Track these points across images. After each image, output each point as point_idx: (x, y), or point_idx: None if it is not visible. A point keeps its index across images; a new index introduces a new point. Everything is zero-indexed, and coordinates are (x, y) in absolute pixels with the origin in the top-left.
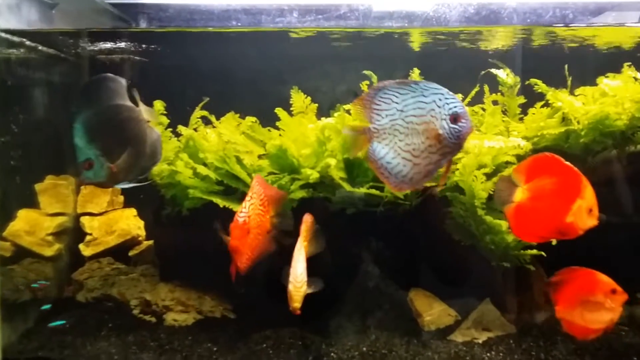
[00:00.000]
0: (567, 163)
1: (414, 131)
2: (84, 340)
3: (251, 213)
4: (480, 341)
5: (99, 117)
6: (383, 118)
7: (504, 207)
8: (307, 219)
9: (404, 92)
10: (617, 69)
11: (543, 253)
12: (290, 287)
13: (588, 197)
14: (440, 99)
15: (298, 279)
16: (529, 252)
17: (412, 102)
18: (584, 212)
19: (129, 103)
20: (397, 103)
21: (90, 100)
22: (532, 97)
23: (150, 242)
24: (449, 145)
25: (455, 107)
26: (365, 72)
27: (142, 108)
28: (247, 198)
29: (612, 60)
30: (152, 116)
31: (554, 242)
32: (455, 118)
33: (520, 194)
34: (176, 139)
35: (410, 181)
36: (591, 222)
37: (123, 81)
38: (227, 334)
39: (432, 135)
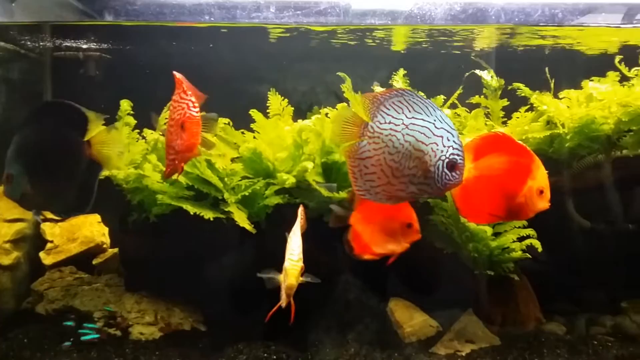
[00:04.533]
0: (519, 142)
1: (407, 152)
2: (43, 356)
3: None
4: (463, 354)
5: (36, 138)
6: (386, 123)
7: None
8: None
9: (419, 109)
10: (601, 73)
11: (529, 255)
12: (286, 263)
13: (540, 178)
14: (448, 138)
15: (294, 252)
16: (514, 255)
17: (421, 124)
18: (535, 193)
19: (74, 136)
20: (406, 116)
21: (37, 119)
22: (515, 100)
23: (116, 250)
24: (431, 186)
25: (458, 155)
26: (340, 74)
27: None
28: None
29: (596, 63)
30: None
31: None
32: (452, 165)
33: (466, 173)
34: (144, 140)
35: (375, 195)
36: (543, 204)
37: (81, 110)
38: (197, 348)
39: (422, 167)
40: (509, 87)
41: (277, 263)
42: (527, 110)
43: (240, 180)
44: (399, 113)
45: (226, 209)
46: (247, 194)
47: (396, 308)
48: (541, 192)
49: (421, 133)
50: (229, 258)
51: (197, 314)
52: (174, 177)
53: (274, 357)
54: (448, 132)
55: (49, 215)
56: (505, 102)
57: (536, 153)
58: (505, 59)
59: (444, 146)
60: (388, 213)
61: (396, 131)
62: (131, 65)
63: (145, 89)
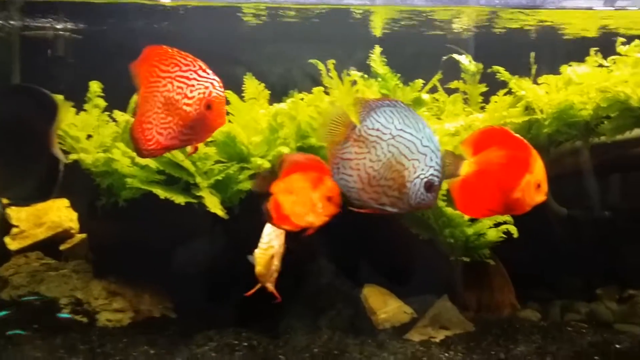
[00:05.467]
0: (517, 136)
1: (387, 163)
2: (6, 343)
3: None
4: (437, 340)
5: None
6: (374, 129)
7: (449, 182)
8: None
9: (409, 123)
10: (581, 59)
11: (503, 235)
12: (257, 250)
13: (537, 171)
14: (431, 158)
15: (263, 241)
16: (489, 238)
17: (408, 138)
18: (532, 187)
19: (39, 123)
20: (395, 127)
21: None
22: (494, 85)
23: (84, 235)
24: (403, 202)
25: (437, 176)
26: (313, 61)
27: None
28: None
29: (577, 48)
30: None
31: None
32: (429, 186)
33: (466, 168)
34: (114, 123)
35: (345, 194)
36: (539, 197)
37: (49, 96)
38: (166, 335)
39: (398, 180)
40: (489, 70)
41: (252, 249)
42: (505, 94)
43: (213, 164)
44: (389, 122)
45: (198, 194)
46: (220, 178)
47: (370, 294)
48: (538, 185)
49: (406, 147)
50: (201, 244)
51: (167, 300)
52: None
53: (245, 344)
54: (433, 151)
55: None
56: (484, 88)
57: None
58: (486, 43)
59: (426, 165)
60: (309, 184)
61: (382, 139)
62: (102, 46)
63: (117, 70)
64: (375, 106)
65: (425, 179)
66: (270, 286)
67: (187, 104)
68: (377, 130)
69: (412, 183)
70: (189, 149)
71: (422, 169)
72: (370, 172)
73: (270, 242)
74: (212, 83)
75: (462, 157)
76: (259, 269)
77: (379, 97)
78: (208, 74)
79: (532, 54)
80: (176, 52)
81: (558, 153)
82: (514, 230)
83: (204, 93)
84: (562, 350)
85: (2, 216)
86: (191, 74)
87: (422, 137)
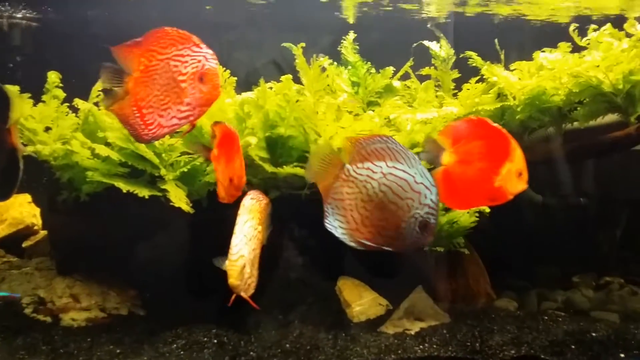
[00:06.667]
0: (495, 125)
1: (380, 204)
2: None
3: None
4: (412, 332)
5: None
6: (364, 168)
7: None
8: (257, 196)
9: (400, 159)
10: (554, 45)
11: (473, 223)
12: (226, 261)
13: (517, 160)
14: (426, 196)
15: (232, 252)
16: (462, 224)
17: (400, 176)
18: (513, 175)
19: None
20: (386, 164)
21: None
22: (466, 72)
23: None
24: (398, 241)
25: (432, 215)
26: (285, 44)
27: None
28: None
29: (547, 33)
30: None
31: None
32: (425, 225)
33: (447, 158)
34: (74, 114)
35: (341, 235)
36: (521, 186)
37: (2, 90)
38: (133, 334)
39: (393, 220)
40: (461, 55)
41: (221, 244)
42: (477, 82)
43: (179, 156)
44: (379, 160)
45: (163, 187)
46: (186, 170)
47: (344, 287)
48: (520, 174)
49: (399, 185)
50: (168, 238)
51: (135, 297)
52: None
53: (215, 341)
54: (427, 188)
55: None
56: (455, 74)
57: None
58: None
59: (420, 203)
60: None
61: (373, 179)
62: (60, 34)
63: (76, 59)
64: (365, 144)
65: (421, 219)
66: (244, 295)
67: (182, 80)
68: (367, 169)
69: (406, 223)
70: (185, 127)
71: (417, 208)
72: (362, 213)
73: (240, 251)
74: (204, 56)
75: (442, 147)
76: (231, 280)
77: (370, 135)
78: (201, 48)
79: (496, 41)
80: (175, 31)
81: (531, 140)
82: (486, 211)
83: (196, 67)
84: (537, 340)
85: None
86: (185, 51)
87: (415, 173)
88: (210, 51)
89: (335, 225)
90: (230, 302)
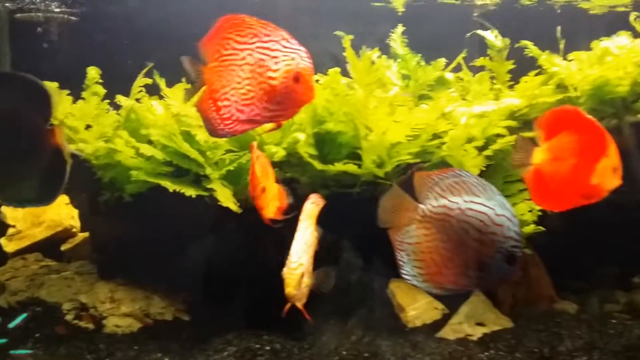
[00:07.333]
0: (590, 117)
1: (461, 242)
2: (4, 355)
3: None
4: (475, 338)
5: None
6: (439, 207)
7: (522, 172)
8: (317, 200)
9: (478, 192)
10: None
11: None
12: (285, 269)
13: (613, 155)
14: (509, 228)
15: (292, 260)
16: (528, 229)
17: (479, 210)
18: (609, 172)
19: (31, 117)
20: (463, 200)
21: None
22: (521, 63)
23: (86, 234)
24: (485, 280)
25: (518, 247)
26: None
27: None
28: None
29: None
30: None
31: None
32: (511, 258)
33: (539, 155)
34: (115, 112)
35: (423, 283)
36: (616, 182)
37: (42, 86)
38: (180, 341)
39: (477, 258)
40: (516, 45)
41: (271, 244)
42: (537, 74)
43: (224, 154)
44: (455, 196)
45: (209, 186)
46: (232, 168)
47: (397, 290)
48: (615, 169)
49: (479, 220)
50: (214, 240)
51: (180, 302)
52: None
53: (267, 348)
54: (509, 219)
55: None
56: (510, 65)
57: None
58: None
59: (504, 237)
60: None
61: (450, 216)
62: (101, 29)
63: (117, 54)
64: (437, 180)
65: (506, 253)
66: (299, 305)
67: (272, 77)
68: (443, 207)
69: (492, 259)
70: (268, 125)
71: (501, 242)
72: (443, 254)
73: (300, 259)
74: (298, 53)
75: (533, 143)
76: (288, 290)
77: (441, 169)
78: (292, 44)
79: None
80: (255, 21)
81: None
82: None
83: (290, 64)
84: (609, 345)
85: None
86: (273, 45)
87: (495, 205)
88: (303, 48)
89: (414, 274)
90: (284, 311)
